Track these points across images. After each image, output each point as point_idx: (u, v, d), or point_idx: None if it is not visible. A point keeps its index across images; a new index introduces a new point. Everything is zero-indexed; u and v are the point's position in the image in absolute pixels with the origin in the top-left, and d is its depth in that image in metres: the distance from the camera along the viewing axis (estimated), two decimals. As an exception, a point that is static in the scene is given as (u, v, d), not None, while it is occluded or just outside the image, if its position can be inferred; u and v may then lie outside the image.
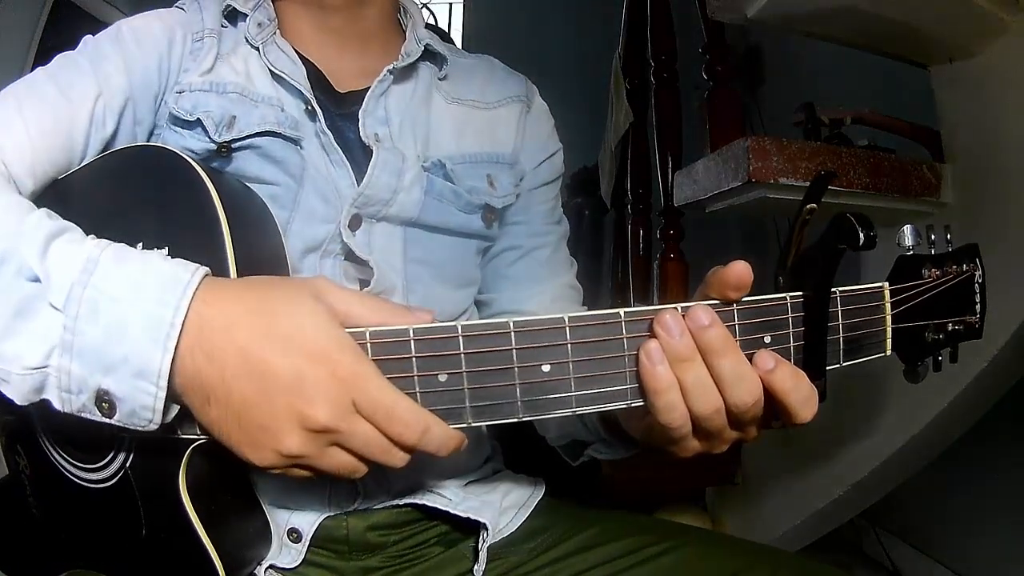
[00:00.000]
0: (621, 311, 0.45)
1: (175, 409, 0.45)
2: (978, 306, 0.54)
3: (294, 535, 0.60)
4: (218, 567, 0.50)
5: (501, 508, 0.66)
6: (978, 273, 0.54)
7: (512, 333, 0.44)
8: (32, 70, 0.60)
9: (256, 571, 0.58)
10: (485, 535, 0.63)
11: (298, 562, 0.59)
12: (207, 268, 0.45)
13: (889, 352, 0.52)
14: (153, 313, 0.42)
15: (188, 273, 0.43)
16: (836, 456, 1.31)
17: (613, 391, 0.46)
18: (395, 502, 0.63)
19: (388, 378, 0.43)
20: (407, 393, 0.44)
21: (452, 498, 0.64)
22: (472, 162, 0.69)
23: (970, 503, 1.52)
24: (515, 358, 0.44)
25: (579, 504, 0.69)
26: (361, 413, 0.43)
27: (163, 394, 0.42)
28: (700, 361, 0.45)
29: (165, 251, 0.48)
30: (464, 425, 0.45)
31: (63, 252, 0.44)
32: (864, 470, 1.25)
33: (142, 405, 0.42)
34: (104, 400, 0.43)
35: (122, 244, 0.46)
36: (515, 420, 0.46)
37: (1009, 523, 1.42)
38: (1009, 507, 1.42)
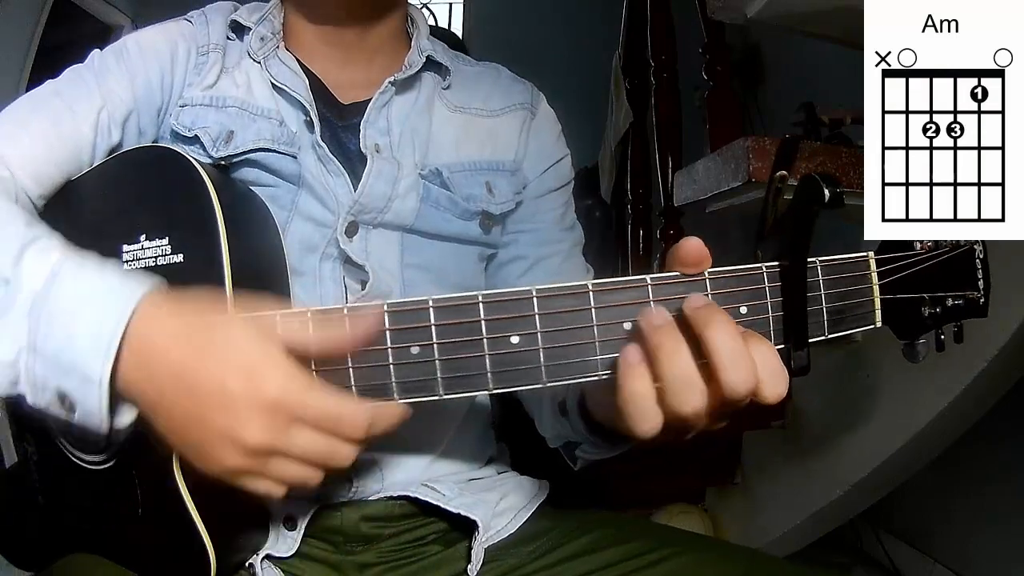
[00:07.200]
0: (589, 283, 0.45)
1: (133, 412, 0.47)
2: (981, 282, 0.51)
3: (289, 523, 0.61)
4: (206, 541, 0.51)
5: (498, 509, 0.66)
6: (978, 248, 0.51)
7: (480, 305, 0.45)
8: (32, 70, 0.62)
9: (253, 561, 0.59)
10: (478, 533, 0.63)
11: (293, 551, 0.60)
12: (157, 280, 0.47)
13: (879, 324, 0.50)
14: (97, 324, 0.44)
15: (133, 288, 0.46)
16: (836, 456, 1.31)
17: (583, 362, 0.46)
18: (389, 494, 0.64)
19: (363, 351, 0.45)
20: (381, 367, 0.45)
21: (446, 493, 0.64)
22: (471, 170, 0.69)
23: (970, 503, 1.52)
24: (484, 330, 0.45)
25: (580, 508, 0.69)
26: (307, 424, 0.44)
27: (106, 400, 0.45)
28: (686, 351, 0.42)
29: (166, 240, 0.52)
30: (436, 397, 0.46)
31: (32, 262, 0.47)
32: (864, 470, 1.25)
33: (91, 409, 0.45)
34: (64, 400, 0.46)
35: (87, 254, 0.49)
36: (487, 392, 0.46)
37: (1009, 523, 1.42)
38: (1009, 507, 1.42)
